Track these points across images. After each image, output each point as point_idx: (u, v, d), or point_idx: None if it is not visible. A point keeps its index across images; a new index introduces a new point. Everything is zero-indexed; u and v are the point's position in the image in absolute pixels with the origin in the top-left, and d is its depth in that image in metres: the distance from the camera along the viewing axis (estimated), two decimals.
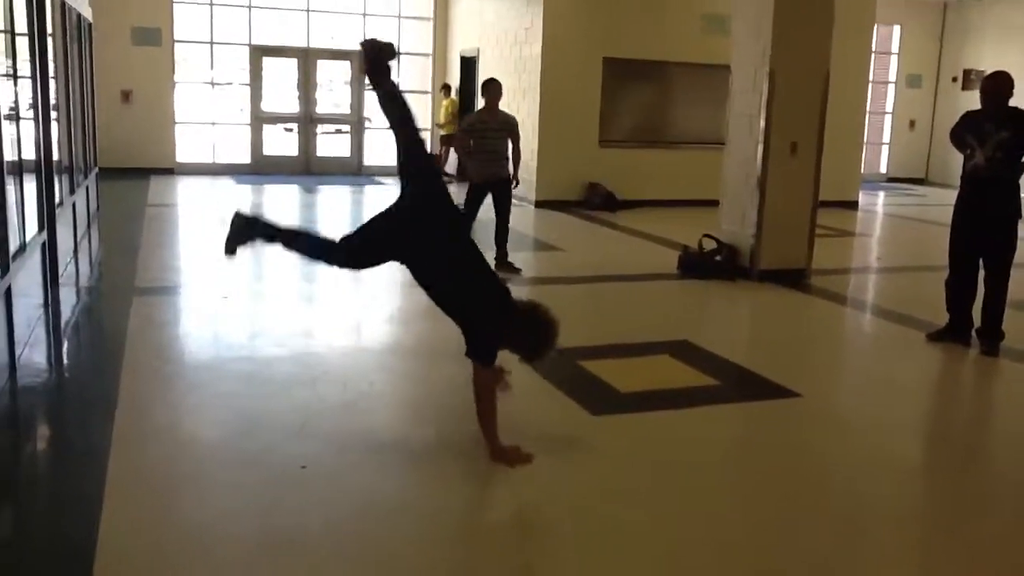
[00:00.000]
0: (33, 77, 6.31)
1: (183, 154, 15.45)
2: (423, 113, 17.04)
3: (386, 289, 7.20)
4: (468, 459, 3.94)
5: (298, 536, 3.21)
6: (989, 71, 6.14)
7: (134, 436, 4.06)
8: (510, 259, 8.02)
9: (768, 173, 7.92)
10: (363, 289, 7.26)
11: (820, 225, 8.50)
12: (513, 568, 3.11)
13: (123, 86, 14.50)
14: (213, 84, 15.88)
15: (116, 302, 6.73)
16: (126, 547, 3.09)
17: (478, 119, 8.00)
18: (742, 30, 8.18)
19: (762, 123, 7.88)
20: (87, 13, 10.36)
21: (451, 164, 15.96)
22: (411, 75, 17.12)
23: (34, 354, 5.26)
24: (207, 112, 15.87)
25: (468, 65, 15.23)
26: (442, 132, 15.97)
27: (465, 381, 3.91)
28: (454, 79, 15.96)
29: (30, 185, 6.03)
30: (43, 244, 6.19)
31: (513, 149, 8.05)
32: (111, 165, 13.41)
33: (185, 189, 13.60)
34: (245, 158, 15.90)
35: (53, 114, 7.16)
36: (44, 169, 6.51)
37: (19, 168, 5.54)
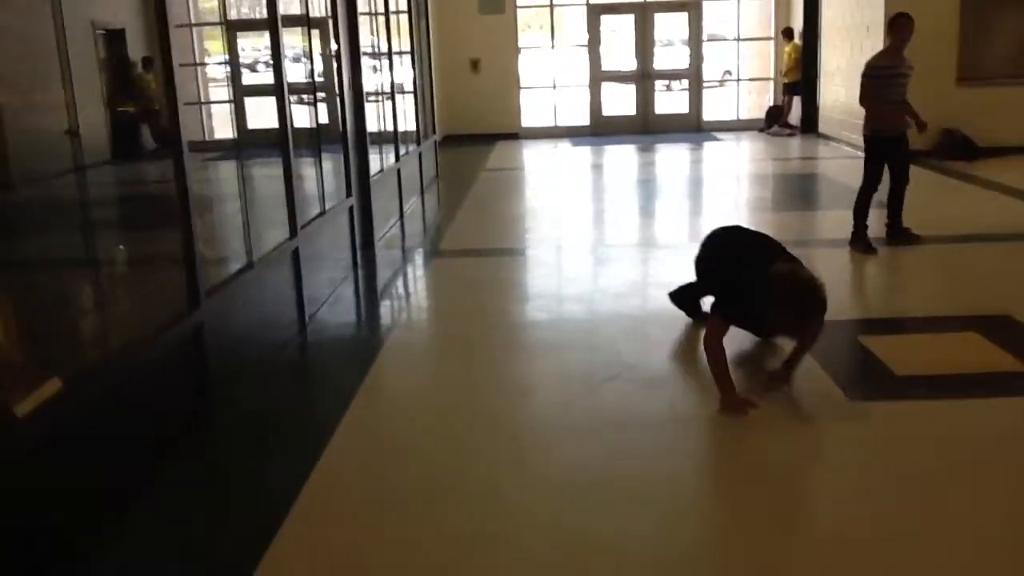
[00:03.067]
0: (338, 56, 6.84)
1: (527, 119, 16.09)
2: (764, 61, 16.15)
3: (664, 258, 6.89)
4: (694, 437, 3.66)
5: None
6: None
7: (373, 394, 4.28)
8: (906, 224, 6.96)
9: None
10: (650, 255, 7.03)
11: None
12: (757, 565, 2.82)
13: (472, 55, 15.38)
14: (553, 47, 16.26)
15: (421, 264, 7.16)
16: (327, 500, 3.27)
17: (888, 61, 6.87)
18: None
19: None
20: None
21: (794, 116, 14.96)
22: (751, 20, 16.25)
23: (330, 313, 5.74)
24: (548, 76, 16.33)
25: (811, 5, 14.07)
26: (785, 80, 14.99)
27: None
28: (796, 21, 14.84)
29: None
30: (350, 209, 6.76)
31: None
32: (461, 132, 14.36)
33: (526, 153, 14.15)
34: (584, 120, 16.16)
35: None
36: (356, 141, 7.10)
37: (317, 140, 6.07)
